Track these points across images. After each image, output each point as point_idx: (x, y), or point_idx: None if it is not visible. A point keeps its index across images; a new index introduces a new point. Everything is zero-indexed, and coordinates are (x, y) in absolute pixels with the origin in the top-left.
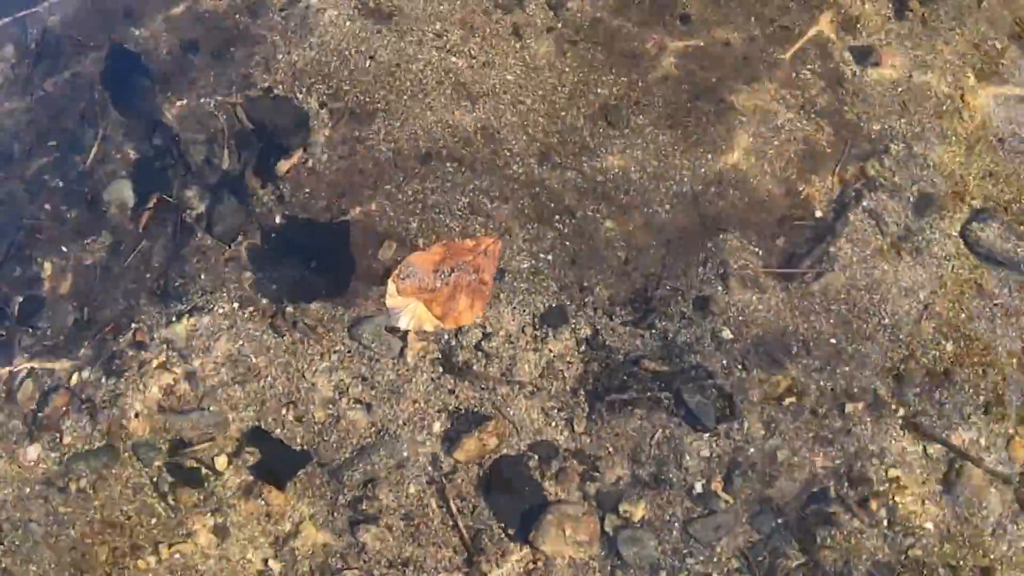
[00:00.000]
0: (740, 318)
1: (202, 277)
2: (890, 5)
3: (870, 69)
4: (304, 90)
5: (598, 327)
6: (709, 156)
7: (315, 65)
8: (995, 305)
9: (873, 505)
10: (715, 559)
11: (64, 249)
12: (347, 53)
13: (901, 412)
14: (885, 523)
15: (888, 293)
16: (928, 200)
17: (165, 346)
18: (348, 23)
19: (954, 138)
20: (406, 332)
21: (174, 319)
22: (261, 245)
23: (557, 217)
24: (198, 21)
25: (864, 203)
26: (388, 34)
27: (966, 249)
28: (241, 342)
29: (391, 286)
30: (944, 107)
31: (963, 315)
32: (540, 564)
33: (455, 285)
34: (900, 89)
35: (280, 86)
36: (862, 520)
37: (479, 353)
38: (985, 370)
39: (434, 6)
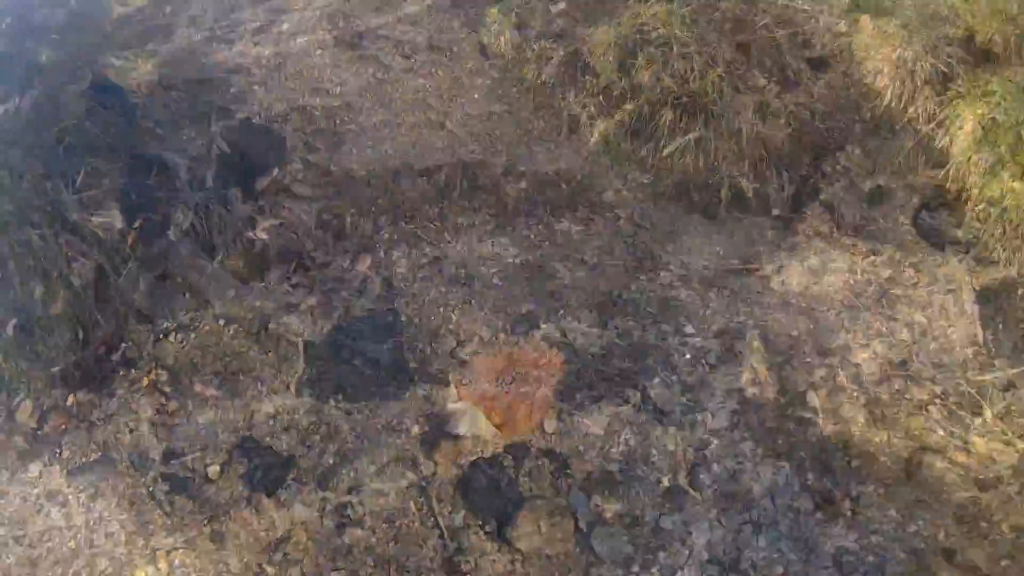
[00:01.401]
0: (700, 314)
1: (186, 296)
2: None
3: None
4: (280, 119)
5: (566, 330)
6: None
7: (288, 92)
8: None
9: (838, 496)
10: (685, 552)
11: (55, 273)
12: (318, 80)
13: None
14: (850, 514)
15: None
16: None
17: (154, 363)
18: (319, 50)
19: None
20: None
21: (161, 336)
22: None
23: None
24: (176, 54)
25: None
26: (356, 60)
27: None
28: (228, 358)
29: (452, 391)
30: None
31: None
32: (518, 565)
33: (515, 395)
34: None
35: (257, 117)
36: (829, 515)
37: (453, 360)
38: None
39: (401, 29)
